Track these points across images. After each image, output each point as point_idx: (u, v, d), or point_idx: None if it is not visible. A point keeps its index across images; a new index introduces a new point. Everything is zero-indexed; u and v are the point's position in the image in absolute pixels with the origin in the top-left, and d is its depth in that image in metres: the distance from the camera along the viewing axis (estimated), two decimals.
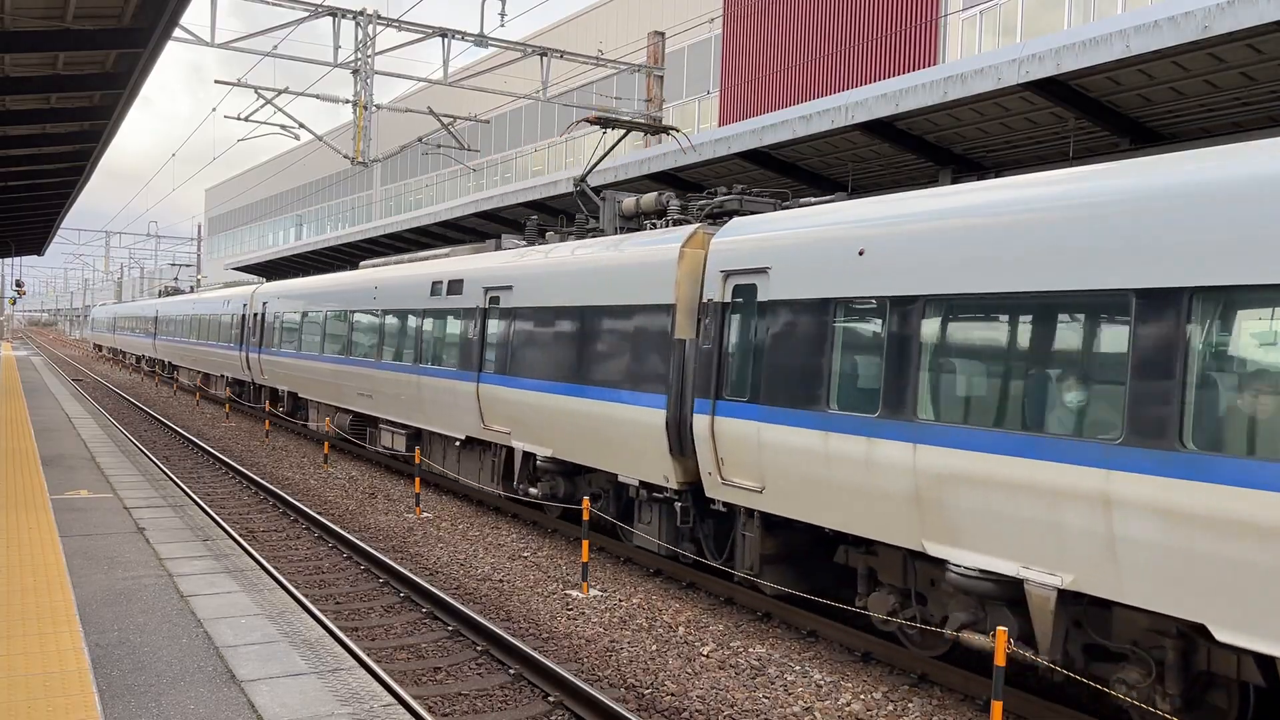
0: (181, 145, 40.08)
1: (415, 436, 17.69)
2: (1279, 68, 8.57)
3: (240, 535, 13.61)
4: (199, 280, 76.06)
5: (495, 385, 14.14)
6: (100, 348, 75.68)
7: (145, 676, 5.92)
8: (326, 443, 21.32)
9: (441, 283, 16.23)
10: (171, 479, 14.93)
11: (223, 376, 33.50)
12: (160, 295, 53.64)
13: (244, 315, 29.53)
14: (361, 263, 21.58)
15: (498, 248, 15.79)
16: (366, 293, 19.68)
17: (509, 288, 13.93)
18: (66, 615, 7.03)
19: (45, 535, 9.55)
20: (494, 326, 14.32)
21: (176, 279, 61.60)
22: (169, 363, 44.28)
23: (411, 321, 17.27)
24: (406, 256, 19.47)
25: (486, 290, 14.62)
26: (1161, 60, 8.67)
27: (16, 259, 66.58)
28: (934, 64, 26.37)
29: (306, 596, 10.61)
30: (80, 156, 21.09)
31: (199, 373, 37.71)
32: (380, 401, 18.66)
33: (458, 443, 15.70)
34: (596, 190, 17.40)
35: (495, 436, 14.27)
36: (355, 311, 20.12)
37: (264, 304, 27.34)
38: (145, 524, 10.45)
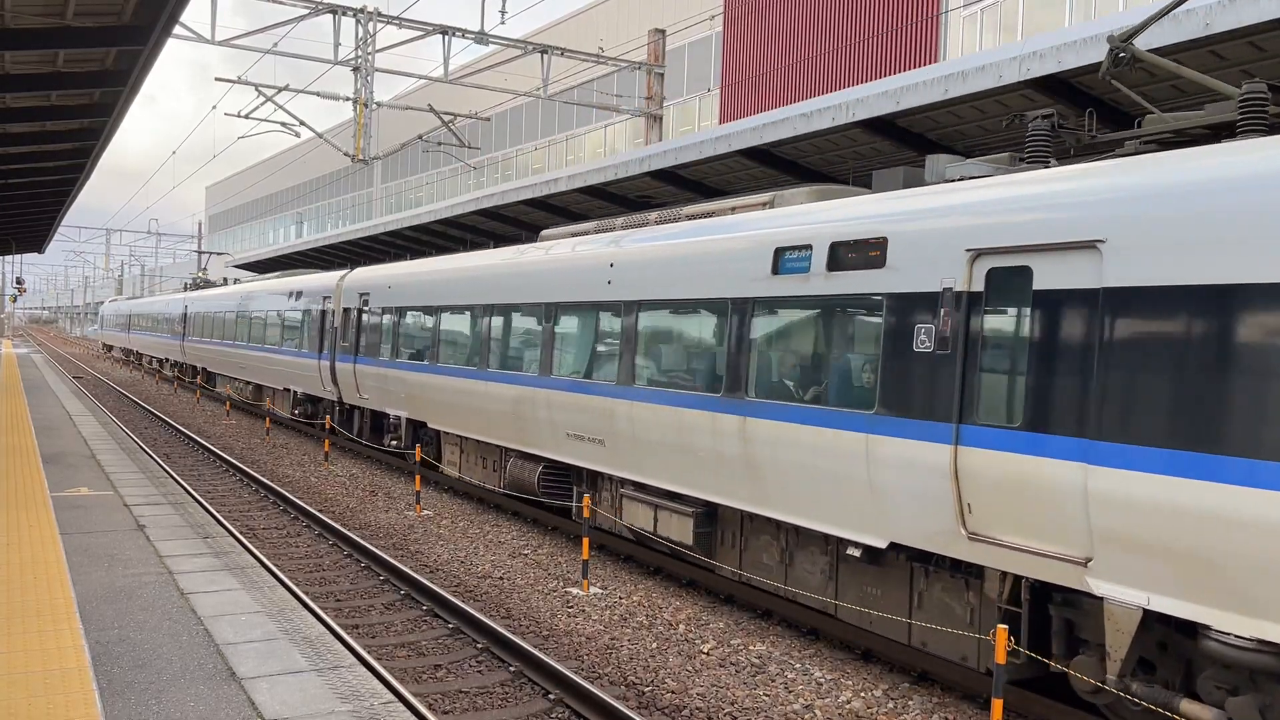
0: (182, 143, 40.19)
1: (708, 515, 10.61)
2: None
3: (241, 533, 13.61)
4: (199, 277, 75.52)
5: (1080, 463, 6.60)
6: (110, 348, 68.90)
7: (145, 674, 5.92)
8: (327, 440, 21.31)
9: (845, 247, 8.62)
10: (172, 476, 14.94)
11: (288, 391, 25.75)
12: (186, 288, 46.31)
13: (324, 312, 22.47)
14: (544, 233, 14.50)
15: (908, 181, 8.84)
16: (590, 275, 12.37)
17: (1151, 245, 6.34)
18: (67, 613, 7.03)
19: (46, 533, 9.56)
20: (1072, 331, 6.75)
21: (205, 269, 50.09)
22: (203, 369, 36.86)
23: (724, 322, 9.95)
24: (654, 217, 12.05)
25: (1009, 257, 7.23)
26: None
27: (17, 256, 66.40)
28: (935, 62, 26.36)
29: (307, 594, 10.61)
30: (81, 154, 21.10)
31: (248, 384, 30.36)
32: (625, 451, 11.44)
33: (854, 551, 8.47)
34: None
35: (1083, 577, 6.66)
36: (567, 306, 12.81)
37: (362, 296, 20.24)
38: (145, 521, 10.45)
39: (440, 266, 17.21)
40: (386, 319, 18.85)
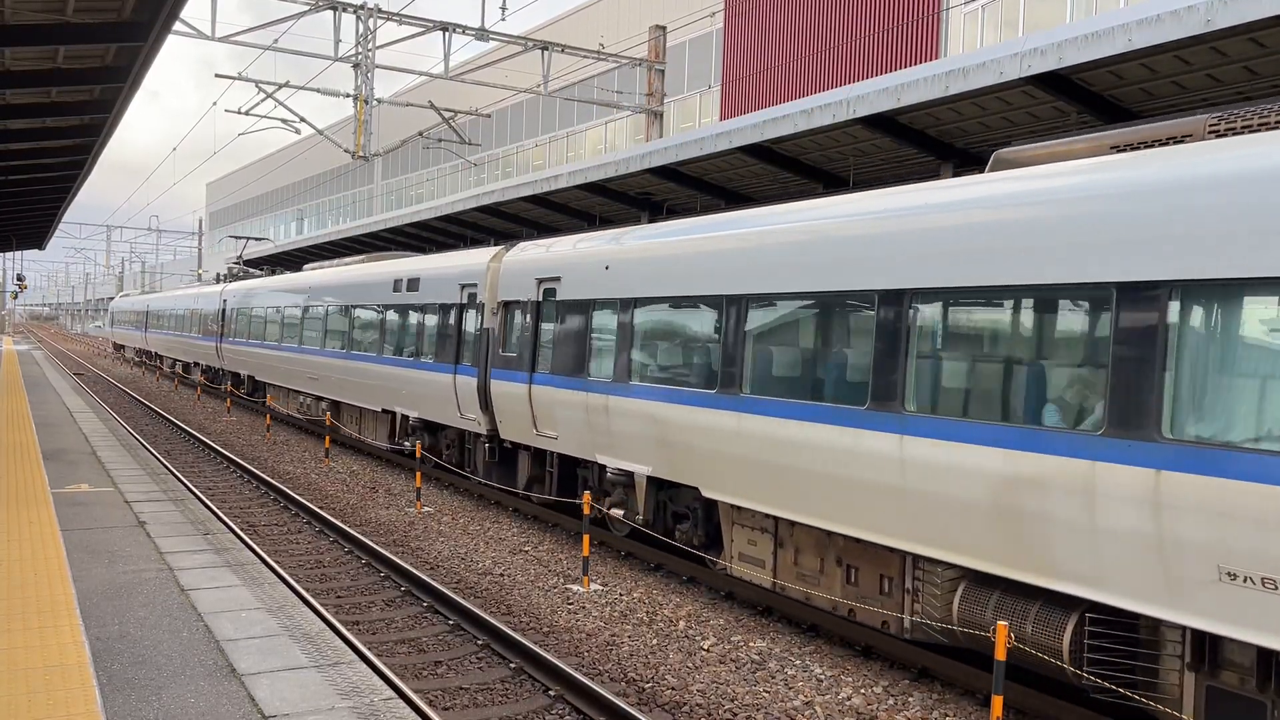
0: (182, 139, 40.07)
1: None
2: None
3: (241, 529, 13.62)
4: (200, 274, 75.31)
5: None
6: (122, 348, 62.14)
7: (146, 670, 5.92)
8: (327, 437, 21.30)
9: None
10: (172, 473, 14.95)
11: (389, 414, 19.29)
12: (221, 279, 39.89)
13: (462, 307, 16.15)
14: (1001, 155, 8.45)
15: None
16: None
17: None
18: (67, 609, 7.03)
19: (46, 529, 9.56)
20: None
21: (241, 258, 39.68)
22: (248, 378, 30.61)
23: None
24: None
25: None
26: (1164, 54, 8.64)
27: (17, 253, 66.16)
28: (936, 58, 26.35)
29: (307, 590, 10.62)
30: (81, 150, 21.08)
31: (319, 400, 23.46)
32: None
33: None
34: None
35: None
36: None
37: (543, 285, 13.85)
38: (146, 518, 10.45)
39: (756, 229, 10.04)
40: (606, 318, 12.23)
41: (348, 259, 23.86)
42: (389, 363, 18.67)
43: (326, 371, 22.12)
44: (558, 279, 13.43)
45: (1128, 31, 8.45)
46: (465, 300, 16.01)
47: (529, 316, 14.06)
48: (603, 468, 12.52)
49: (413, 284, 18.09)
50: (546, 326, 13.63)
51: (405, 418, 18.38)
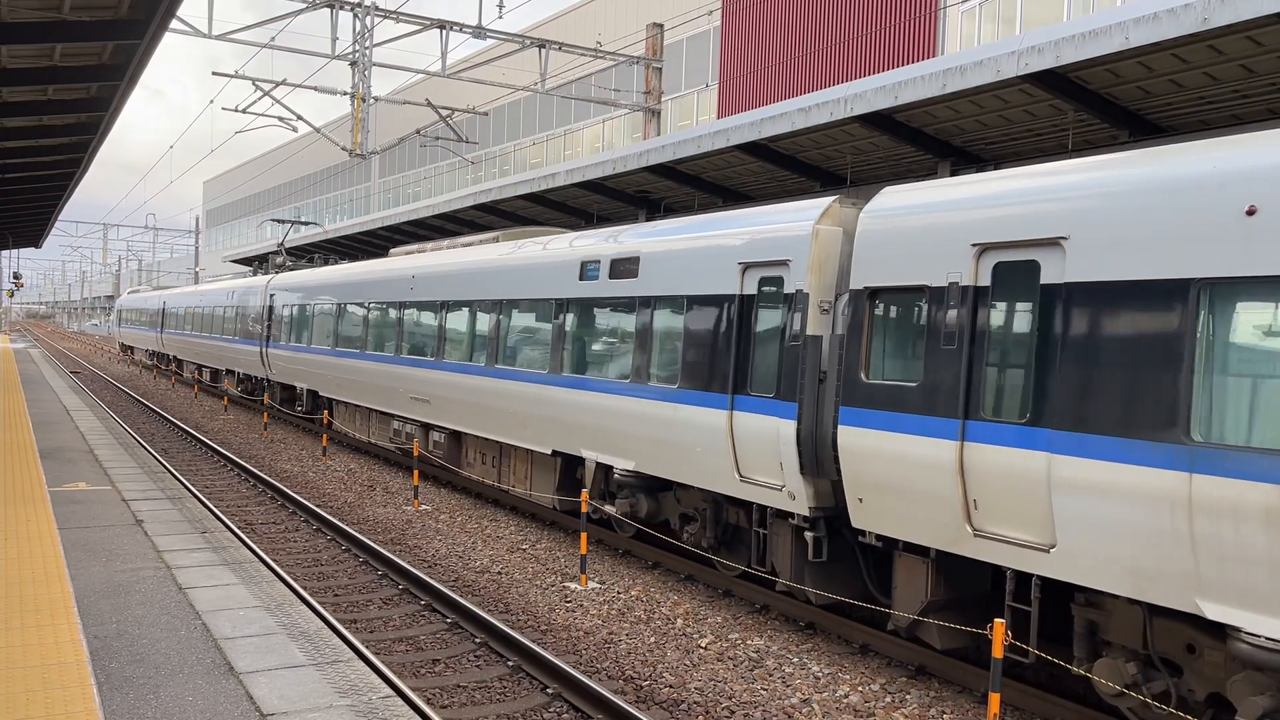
0: (179, 138, 39.95)
1: None
2: (1278, 60, 8.56)
3: (238, 527, 13.62)
4: (198, 273, 75.25)
5: None
6: (131, 349, 55.76)
7: (144, 668, 5.93)
8: (325, 435, 21.29)
9: None
10: (170, 471, 14.94)
11: (558, 458, 13.59)
12: (257, 271, 34.82)
13: (801, 302, 9.52)
14: None
15: None
16: None
17: None
18: (65, 607, 7.03)
19: (44, 528, 9.55)
20: None
21: (282, 247, 33.49)
22: (304, 390, 24.90)
23: None
24: None
25: None
26: (1161, 52, 8.65)
27: (14, 251, 65.86)
28: (933, 55, 26.36)
29: (305, 589, 10.62)
30: (78, 148, 21.06)
31: (426, 428, 17.57)
32: None
33: None
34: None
35: None
36: None
37: (1070, 245, 7.05)
38: (143, 516, 10.45)
39: None
40: None
41: (459, 239, 18.66)
42: (574, 385, 12.81)
43: (447, 391, 16.25)
44: (1055, 242, 7.16)
45: (1125, 30, 8.46)
46: (754, 290, 10.25)
47: (955, 316, 7.86)
48: (1230, 636, 5.95)
49: (625, 268, 12.33)
50: (1013, 335, 7.47)
51: (605, 468, 12.45)
